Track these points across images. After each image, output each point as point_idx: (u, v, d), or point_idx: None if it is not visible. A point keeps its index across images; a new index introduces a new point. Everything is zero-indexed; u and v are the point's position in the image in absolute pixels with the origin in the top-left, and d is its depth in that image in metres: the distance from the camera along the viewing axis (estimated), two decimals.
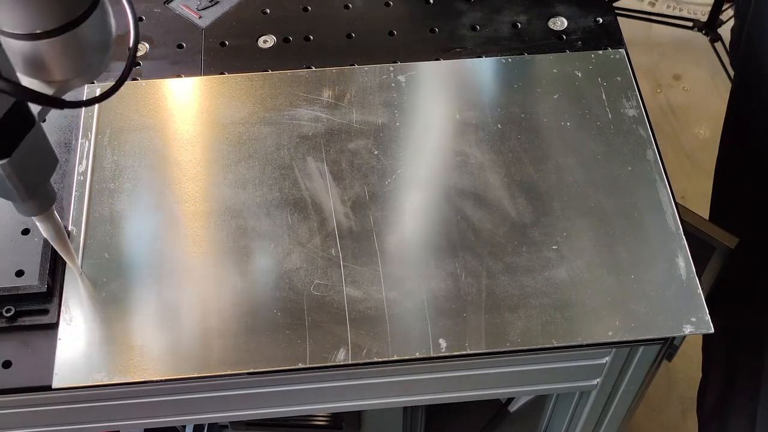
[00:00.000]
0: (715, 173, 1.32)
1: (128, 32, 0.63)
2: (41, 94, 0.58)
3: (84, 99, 0.75)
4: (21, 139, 0.61)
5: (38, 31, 0.58)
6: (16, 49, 0.60)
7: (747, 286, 1.19)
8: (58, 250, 0.76)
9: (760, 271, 1.16)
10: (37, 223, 0.72)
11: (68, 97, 0.62)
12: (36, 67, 0.61)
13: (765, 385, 1.10)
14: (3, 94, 0.56)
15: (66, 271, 0.79)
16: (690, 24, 1.97)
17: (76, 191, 0.84)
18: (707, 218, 1.24)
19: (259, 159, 0.87)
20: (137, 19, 0.66)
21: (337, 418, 1.08)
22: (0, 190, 0.64)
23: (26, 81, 0.62)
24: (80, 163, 0.86)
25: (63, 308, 0.77)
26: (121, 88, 0.63)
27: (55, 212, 0.72)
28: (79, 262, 0.79)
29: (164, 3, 1.00)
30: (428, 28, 0.98)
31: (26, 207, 0.68)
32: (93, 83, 0.89)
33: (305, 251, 0.81)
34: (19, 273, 0.78)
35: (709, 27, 1.94)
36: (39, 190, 0.68)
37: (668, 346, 0.82)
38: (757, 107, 1.14)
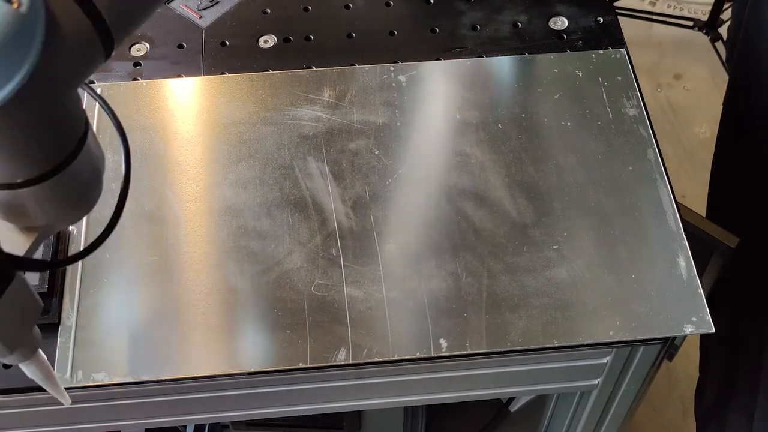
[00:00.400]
0: (712, 171, 1.32)
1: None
2: (22, 259, 0.54)
3: (67, 256, 0.67)
4: (0, 295, 0.54)
5: (18, 181, 0.50)
6: None
7: (747, 286, 1.19)
8: (47, 389, 0.68)
9: (760, 271, 1.16)
10: (23, 368, 0.65)
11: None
12: (15, 215, 0.54)
13: (764, 385, 1.10)
14: None
15: (66, 270, 0.79)
16: (690, 23, 1.97)
17: None
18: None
19: (259, 159, 0.87)
20: (129, 162, 0.58)
21: (337, 417, 1.08)
22: None
23: (3, 226, 0.56)
24: None
25: (63, 308, 0.77)
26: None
27: (41, 352, 0.65)
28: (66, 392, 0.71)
29: (165, 3, 1.00)
30: (429, 27, 0.98)
31: (8, 358, 0.61)
32: (93, 82, 0.89)
33: (306, 251, 0.81)
34: None
35: (710, 26, 1.94)
36: (21, 341, 0.60)
37: (669, 346, 0.82)
38: (754, 103, 1.14)
